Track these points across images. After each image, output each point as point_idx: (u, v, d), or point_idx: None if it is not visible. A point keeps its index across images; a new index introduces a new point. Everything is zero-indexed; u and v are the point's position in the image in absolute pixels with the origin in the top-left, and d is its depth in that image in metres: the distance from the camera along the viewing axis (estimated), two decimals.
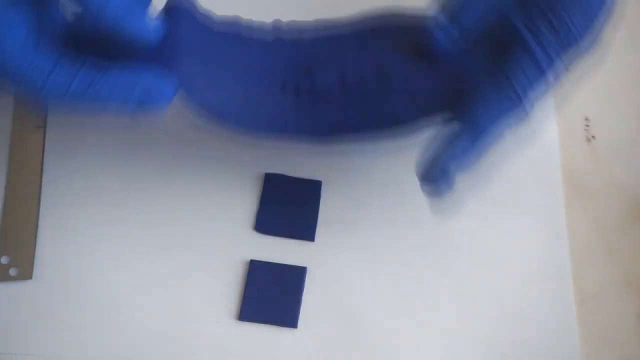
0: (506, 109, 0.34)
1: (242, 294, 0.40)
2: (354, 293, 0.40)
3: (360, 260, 0.41)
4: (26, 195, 0.43)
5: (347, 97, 0.39)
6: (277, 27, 0.41)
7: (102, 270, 0.41)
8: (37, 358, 0.39)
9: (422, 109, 0.38)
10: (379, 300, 0.40)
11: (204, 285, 0.40)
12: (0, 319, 0.39)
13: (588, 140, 0.46)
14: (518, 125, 0.35)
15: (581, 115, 0.47)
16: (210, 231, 0.42)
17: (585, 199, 0.44)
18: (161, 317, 0.39)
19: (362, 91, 0.39)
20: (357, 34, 0.41)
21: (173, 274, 0.41)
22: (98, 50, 0.35)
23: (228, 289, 0.40)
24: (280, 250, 0.41)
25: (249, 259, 0.41)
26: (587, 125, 0.46)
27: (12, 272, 0.40)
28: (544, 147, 0.45)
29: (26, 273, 0.40)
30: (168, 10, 0.39)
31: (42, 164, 0.44)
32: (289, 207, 0.42)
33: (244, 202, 0.43)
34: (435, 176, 0.35)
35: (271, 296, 0.40)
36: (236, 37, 0.41)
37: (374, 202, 0.43)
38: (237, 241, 0.42)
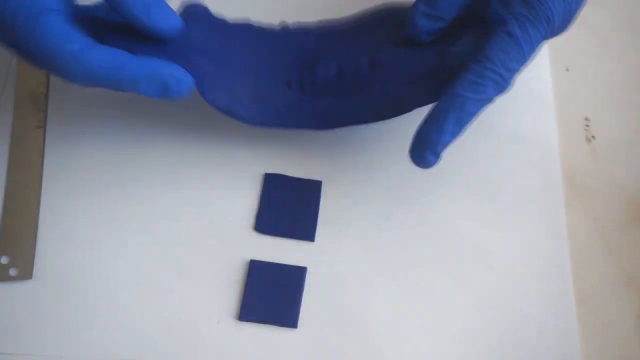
0: (488, 86, 0.36)
1: (242, 294, 0.40)
2: (354, 293, 0.40)
3: (360, 260, 0.41)
4: (26, 195, 0.43)
5: (345, 88, 0.42)
6: (284, 24, 0.46)
7: (102, 270, 0.41)
8: (37, 358, 0.39)
9: (412, 92, 0.40)
10: (379, 300, 0.40)
11: (204, 285, 0.40)
12: (0, 318, 0.39)
13: (588, 140, 0.46)
14: (498, 98, 0.38)
15: (581, 115, 0.47)
16: (210, 231, 0.42)
17: (585, 199, 0.44)
18: (161, 317, 0.39)
19: (358, 81, 0.42)
20: (355, 29, 0.45)
21: (173, 274, 0.41)
22: (120, 35, 0.38)
23: (228, 289, 0.40)
24: (281, 250, 0.41)
25: (249, 259, 0.41)
26: (587, 125, 0.46)
27: (12, 272, 0.40)
28: (544, 147, 0.45)
29: (26, 273, 0.40)
30: (183, 13, 0.42)
31: (42, 163, 0.44)
32: (289, 207, 0.42)
33: (244, 202, 0.43)
34: (425, 155, 0.38)
35: (271, 296, 0.40)
36: (247, 28, 0.45)
37: (374, 202, 0.43)
38: (237, 241, 0.42)
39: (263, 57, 0.44)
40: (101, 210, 0.42)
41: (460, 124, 0.37)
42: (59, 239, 0.42)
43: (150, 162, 0.44)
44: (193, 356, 0.39)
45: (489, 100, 0.37)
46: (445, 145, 0.38)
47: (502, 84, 0.37)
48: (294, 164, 0.44)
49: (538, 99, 0.46)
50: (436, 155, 0.38)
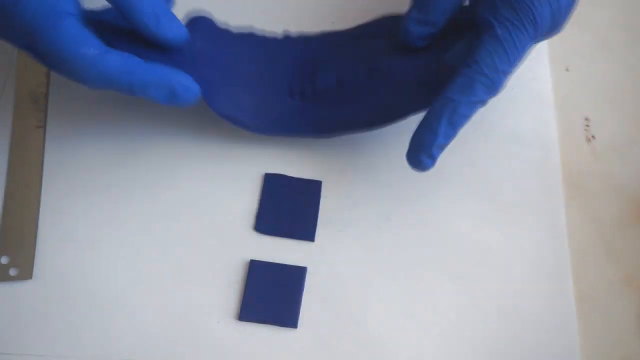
0: (477, 89, 0.37)
1: (242, 294, 0.40)
2: (354, 293, 0.40)
3: (360, 260, 0.41)
4: (26, 195, 0.43)
5: (345, 96, 0.43)
6: (286, 33, 0.47)
7: (102, 270, 0.41)
8: (37, 358, 0.39)
9: (409, 99, 0.41)
10: (379, 300, 0.40)
11: (204, 285, 0.40)
12: (0, 319, 0.39)
13: (588, 140, 0.46)
14: (490, 99, 0.38)
15: (581, 115, 0.47)
16: (211, 231, 0.42)
17: (585, 199, 0.44)
18: (161, 317, 0.39)
19: (357, 89, 0.43)
20: (354, 39, 0.46)
21: (173, 274, 0.41)
22: (127, 40, 0.40)
23: (228, 289, 0.40)
24: (281, 250, 0.41)
25: (249, 259, 0.41)
26: (587, 125, 0.46)
27: (12, 272, 0.40)
28: (544, 147, 0.45)
29: (26, 273, 0.40)
30: (188, 23, 0.44)
31: (42, 163, 0.44)
32: (289, 207, 0.42)
33: (244, 202, 0.43)
34: (420, 158, 0.39)
35: (271, 296, 0.40)
36: (250, 37, 0.46)
37: (374, 202, 0.43)
38: (237, 241, 0.42)
39: (265, 66, 0.45)
40: (101, 210, 0.42)
41: (454, 127, 0.38)
42: (59, 239, 0.42)
43: (150, 162, 0.44)
44: (193, 356, 0.39)
45: (480, 102, 0.38)
46: (440, 147, 0.38)
47: (491, 87, 0.37)
48: (294, 164, 0.44)
49: (538, 99, 0.46)
50: (432, 158, 0.39)
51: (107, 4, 0.39)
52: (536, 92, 0.47)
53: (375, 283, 0.40)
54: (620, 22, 0.50)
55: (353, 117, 0.43)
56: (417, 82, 0.41)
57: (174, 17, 0.40)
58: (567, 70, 0.48)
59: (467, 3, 0.41)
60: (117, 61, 0.37)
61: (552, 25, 0.39)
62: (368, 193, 0.43)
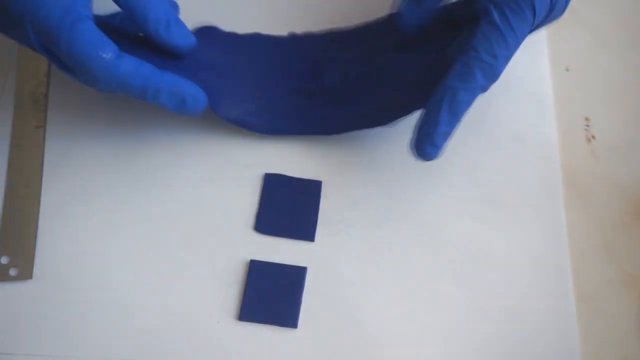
0: (475, 74, 0.37)
1: (242, 294, 0.40)
2: (354, 293, 0.40)
3: (360, 260, 0.41)
4: (26, 195, 0.43)
5: (351, 94, 0.44)
6: (292, 34, 0.47)
7: (102, 270, 0.41)
8: (37, 358, 0.39)
9: (412, 95, 0.41)
10: (379, 300, 0.40)
11: (204, 286, 0.40)
12: (0, 319, 0.39)
13: (588, 140, 0.46)
14: (489, 87, 0.38)
15: (581, 115, 0.47)
16: (211, 231, 0.42)
17: (585, 199, 0.44)
18: (161, 317, 0.39)
19: (362, 87, 0.44)
20: (358, 37, 0.46)
21: (173, 274, 0.41)
22: (138, 45, 0.41)
23: (228, 289, 0.40)
24: (281, 251, 0.41)
25: (249, 259, 0.41)
26: (587, 125, 0.46)
27: (12, 272, 0.40)
28: (544, 147, 0.45)
29: (26, 273, 0.40)
30: (195, 33, 0.44)
31: (42, 163, 0.44)
32: (289, 207, 0.42)
33: (244, 202, 0.43)
34: (424, 147, 0.39)
35: (271, 296, 0.40)
36: (256, 39, 0.47)
37: (374, 202, 0.43)
38: (237, 241, 0.42)
39: (272, 67, 0.46)
40: (101, 210, 0.42)
41: (454, 114, 0.38)
42: (59, 239, 0.42)
43: (150, 162, 0.44)
44: (193, 356, 0.39)
45: (480, 88, 0.38)
46: (442, 135, 0.38)
47: (489, 71, 0.37)
48: (294, 164, 0.44)
49: (538, 99, 0.46)
50: (435, 147, 0.39)
51: (110, 10, 0.40)
52: (536, 92, 0.47)
53: (375, 283, 0.40)
54: (620, 22, 0.50)
55: (359, 115, 0.43)
56: (421, 78, 0.41)
57: (183, 25, 0.41)
58: (567, 70, 0.48)
59: None
60: (132, 66, 0.38)
61: (550, 9, 0.39)
62: (368, 193, 0.43)
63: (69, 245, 0.41)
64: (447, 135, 0.39)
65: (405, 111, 0.42)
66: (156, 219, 0.42)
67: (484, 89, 0.38)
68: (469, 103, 0.38)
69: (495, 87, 0.39)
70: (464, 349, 0.39)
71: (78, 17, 0.36)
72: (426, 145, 0.39)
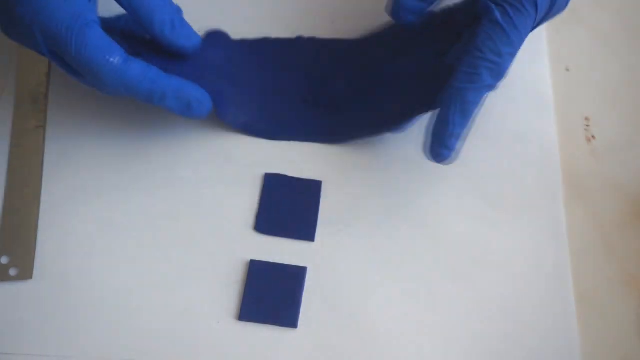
0: (482, 74, 0.37)
1: (242, 294, 0.40)
2: (354, 293, 0.40)
3: (360, 260, 0.41)
4: (26, 195, 0.43)
5: (356, 102, 0.45)
6: (299, 38, 0.48)
7: (102, 270, 0.41)
8: (37, 358, 0.39)
9: (415, 102, 0.42)
10: (379, 300, 0.40)
11: (204, 286, 0.40)
12: (1, 319, 0.39)
13: (588, 140, 0.46)
14: (497, 85, 0.38)
15: (581, 115, 0.47)
16: (211, 231, 0.42)
17: (585, 199, 0.44)
18: (161, 317, 0.39)
19: (367, 96, 0.44)
20: (364, 46, 0.46)
21: (173, 274, 0.41)
22: (145, 48, 0.41)
23: (228, 289, 0.40)
24: (281, 251, 0.41)
25: (249, 259, 0.41)
26: (587, 125, 0.46)
27: (12, 272, 0.40)
28: (544, 147, 0.45)
29: (26, 273, 0.40)
30: (203, 37, 0.45)
31: (42, 163, 0.44)
32: (289, 207, 0.42)
33: (244, 202, 0.43)
34: (438, 150, 0.39)
35: (271, 296, 0.40)
36: (264, 45, 0.47)
37: (374, 202, 0.43)
38: (237, 241, 0.42)
39: (280, 73, 0.46)
40: (101, 210, 0.42)
41: (465, 115, 0.38)
42: (59, 239, 0.42)
43: (150, 161, 0.44)
44: (193, 356, 0.39)
45: (488, 87, 0.38)
46: (454, 137, 0.38)
47: (496, 70, 0.37)
48: (294, 164, 0.44)
49: (538, 99, 0.46)
50: (448, 149, 0.39)
51: (114, 13, 0.40)
52: (536, 92, 0.47)
53: (375, 283, 0.40)
54: (620, 22, 0.50)
55: (366, 124, 0.44)
56: (422, 85, 0.42)
57: (188, 25, 0.41)
58: (567, 70, 0.48)
59: None
60: (139, 70, 0.38)
61: (552, 4, 0.39)
62: (368, 193, 0.43)
63: (69, 245, 0.41)
64: (459, 136, 0.39)
65: (408, 118, 0.42)
66: (156, 219, 0.42)
67: (493, 87, 0.38)
68: (478, 103, 0.38)
69: None
70: (464, 347, 0.39)
71: (85, 22, 0.37)
72: (440, 148, 0.39)
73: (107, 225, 0.42)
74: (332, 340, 0.39)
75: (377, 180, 0.43)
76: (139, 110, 0.45)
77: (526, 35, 0.38)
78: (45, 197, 0.43)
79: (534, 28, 0.39)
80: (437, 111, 0.39)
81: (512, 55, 0.38)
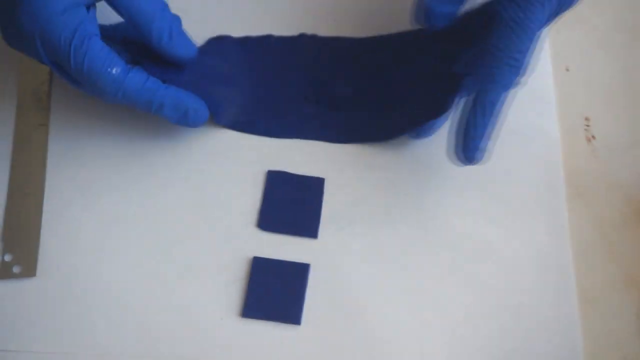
0: (503, 73, 0.37)
1: (246, 291, 0.40)
2: (357, 290, 0.40)
3: (363, 257, 0.41)
4: (30, 193, 0.43)
5: (360, 105, 0.45)
6: (302, 36, 0.47)
7: (105, 268, 0.41)
8: (40, 355, 0.39)
9: (421, 108, 0.42)
10: (382, 297, 0.40)
11: (208, 283, 0.40)
12: (4, 316, 0.39)
13: (588, 140, 0.46)
14: (517, 85, 0.38)
15: (581, 115, 0.47)
16: (214, 228, 0.42)
17: (586, 199, 0.44)
18: (165, 314, 0.40)
19: (372, 99, 0.44)
20: (370, 48, 0.46)
21: (176, 271, 0.41)
22: (142, 57, 0.41)
23: (231, 286, 0.40)
24: (284, 248, 0.41)
25: (252, 256, 0.41)
26: (587, 125, 0.46)
27: (16, 269, 0.40)
28: (545, 147, 0.45)
29: (30, 270, 0.40)
30: (206, 45, 0.46)
31: (45, 161, 0.44)
32: (292, 205, 0.42)
33: (247, 200, 0.43)
34: (464, 153, 0.38)
35: (274, 293, 0.40)
36: (266, 43, 0.47)
37: (377, 199, 0.43)
38: (241, 238, 0.42)
39: (281, 72, 0.46)
40: (104, 208, 0.42)
41: (489, 115, 0.38)
42: (62, 237, 0.42)
43: (153, 159, 0.44)
44: (197, 353, 0.39)
45: (507, 85, 0.38)
46: (479, 137, 0.38)
47: (516, 66, 0.38)
48: (297, 161, 0.44)
49: (539, 99, 0.46)
50: (476, 150, 0.38)
51: (112, 21, 0.40)
52: (537, 92, 0.47)
53: (378, 280, 0.41)
54: (620, 22, 0.50)
55: (372, 128, 0.44)
56: (429, 92, 0.42)
57: (185, 35, 0.41)
58: (567, 70, 0.48)
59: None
60: (138, 80, 0.39)
61: None
62: (371, 190, 0.43)
63: (73, 242, 0.41)
64: (481, 137, 0.38)
65: (414, 124, 0.42)
66: (159, 217, 0.42)
67: (512, 85, 0.38)
68: (497, 102, 0.38)
69: None
70: (467, 346, 0.39)
71: (86, 34, 0.37)
72: (467, 150, 0.38)
73: (110, 223, 0.42)
74: (335, 337, 0.39)
75: (380, 177, 0.43)
76: None
77: (540, 29, 0.38)
78: (48, 195, 0.43)
79: (548, 21, 0.39)
80: (458, 114, 0.39)
81: (529, 50, 0.38)
